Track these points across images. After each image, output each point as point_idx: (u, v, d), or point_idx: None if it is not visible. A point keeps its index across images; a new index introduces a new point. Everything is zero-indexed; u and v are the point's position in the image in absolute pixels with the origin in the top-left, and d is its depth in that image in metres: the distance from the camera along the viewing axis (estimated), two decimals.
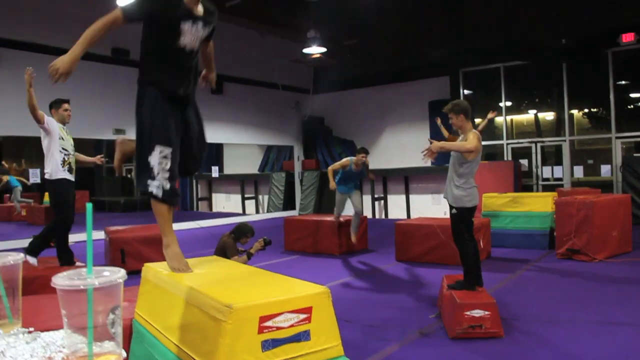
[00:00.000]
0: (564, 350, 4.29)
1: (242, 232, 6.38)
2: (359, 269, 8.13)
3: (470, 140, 5.09)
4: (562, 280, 6.89)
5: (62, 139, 6.07)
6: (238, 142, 17.38)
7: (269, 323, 2.35)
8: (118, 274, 1.23)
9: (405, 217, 15.80)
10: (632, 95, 14.03)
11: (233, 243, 6.30)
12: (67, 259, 6.25)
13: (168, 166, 2.89)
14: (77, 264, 6.32)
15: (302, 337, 2.46)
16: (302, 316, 2.45)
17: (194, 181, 21.21)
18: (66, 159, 6.09)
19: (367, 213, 16.16)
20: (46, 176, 6.06)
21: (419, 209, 15.75)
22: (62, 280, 1.19)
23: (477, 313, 4.55)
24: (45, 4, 11.46)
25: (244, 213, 19.13)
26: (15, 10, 11.06)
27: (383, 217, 16.84)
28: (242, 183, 19.88)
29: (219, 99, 15.01)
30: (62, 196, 6.04)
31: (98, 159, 7.05)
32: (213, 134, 15.33)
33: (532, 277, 7.15)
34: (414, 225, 8.73)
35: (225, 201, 20.87)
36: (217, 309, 2.29)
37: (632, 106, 14.04)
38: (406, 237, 8.62)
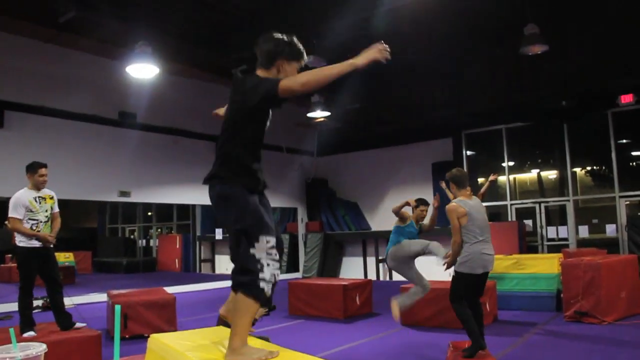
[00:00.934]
0: None
1: None
2: (364, 334, 7.98)
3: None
4: (571, 345, 6.75)
5: (32, 211, 6.10)
6: None
7: None
8: (40, 348, 1.26)
9: None
10: (634, 153, 14.14)
11: None
12: (65, 322, 6.18)
13: (277, 256, 2.76)
14: (77, 325, 6.24)
15: None
16: None
17: (197, 243, 21.15)
18: (34, 228, 6.10)
19: (371, 275, 16.02)
20: (15, 241, 6.12)
21: (424, 271, 15.55)
22: None
23: None
24: (52, 67, 11.75)
25: None
26: (20, 74, 11.33)
27: (387, 279, 16.67)
28: None
29: None
30: (22, 265, 6.09)
31: (50, 238, 6.63)
32: None
33: (540, 341, 7.01)
34: None
35: (229, 263, 20.65)
36: None
37: (634, 164, 14.12)
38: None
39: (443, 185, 9.81)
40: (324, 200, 17.95)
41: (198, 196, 14.36)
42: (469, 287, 5.29)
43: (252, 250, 2.69)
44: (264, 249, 2.70)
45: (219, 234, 17.33)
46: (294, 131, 16.57)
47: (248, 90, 2.80)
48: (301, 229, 18.04)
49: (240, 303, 2.70)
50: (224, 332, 3.37)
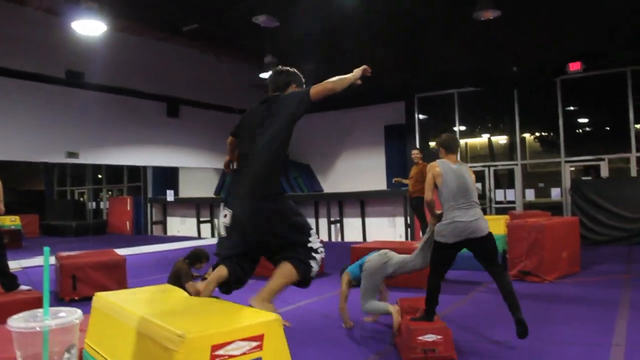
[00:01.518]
0: None
1: (196, 257, 6.31)
2: (314, 293, 8.12)
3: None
4: None
5: None
6: (194, 166, 17.26)
7: (220, 352, 2.35)
8: (74, 315, 1.22)
9: (361, 240, 15.90)
10: (580, 120, 14.58)
11: (187, 269, 6.22)
12: (10, 284, 6.08)
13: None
14: (22, 287, 6.15)
15: None
16: (254, 344, 2.46)
17: (148, 205, 20.91)
18: None
19: (323, 236, 16.21)
20: None
21: (375, 232, 15.87)
22: (17, 322, 1.17)
23: (430, 337, 4.61)
24: None
25: (199, 237, 18.92)
26: None
27: (339, 240, 16.91)
28: (197, 207, 19.67)
29: (174, 123, 14.91)
30: None
31: None
32: (168, 158, 15.23)
33: (485, 299, 7.28)
34: (369, 248, 8.76)
35: (180, 225, 20.61)
36: (169, 338, 2.28)
37: (580, 131, 14.58)
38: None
39: (396, 180, 9.83)
40: None
41: (148, 157, 14.14)
42: (444, 257, 5.17)
43: (309, 244, 3.63)
44: (317, 240, 3.68)
45: (170, 195, 17.16)
46: (247, 92, 16.38)
47: (288, 99, 3.68)
48: None
49: (289, 272, 3.60)
50: (168, 288, 3.40)
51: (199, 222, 19.61)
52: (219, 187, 19.61)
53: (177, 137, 15.13)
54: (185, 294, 3.31)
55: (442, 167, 5.26)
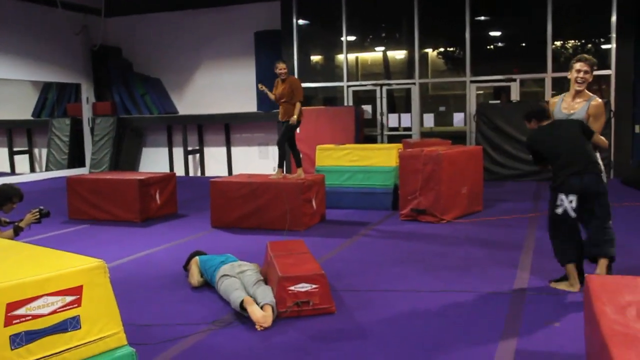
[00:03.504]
0: (405, 323, 4.55)
1: (5, 196, 5.98)
2: (166, 239, 8.00)
3: None
4: (404, 246, 7.31)
5: None
6: (1, 77, 16.18)
7: (20, 311, 2.20)
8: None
9: (226, 174, 15.82)
10: (491, 34, 15.07)
11: None
12: None
13: None
14: None
15: (69, 325, 2.35)
16: (69, 299, 2.34)
17: None
18: None
19: (179, 170, 15.97)
20: None
21: (243, 164, 15.83)
22: None
23: (303, 287, 4.66)
24: None
25: (13, 172, 18.10)
26: None
27: (199, 174, 16.74)
28: (9, 132, 18.74)
29: None
30: None
31: None
32: None
33: (370, 243, 7.51)
34: (233, 183, 8.75)
35: None
36: None
37: (491, 47, 15.10)
38: (224, 198, 8.63)
39: (262, 87, 9.62)
40: (117, 75, 17.20)
41: None
42: None
43: None
44: None
45: None
46: None
47: None
48: (87, 112, 17.27)
49: None
50: None
51: (12, 153, 18.68)
52: (38, 107, 18.61)
53: None
54: None
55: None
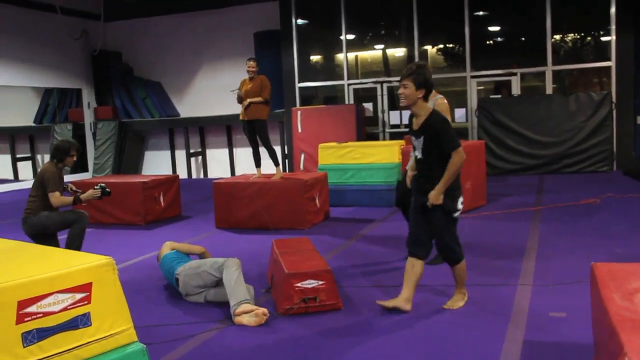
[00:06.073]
0: (411, 318, 4.56)
1: (62, 151, 6.13)
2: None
3: None
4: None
5: None
6: (1, 84, 16.20)
7: (32, 308, 2.22)
8: None
9: (229, 175, 15.82)
10: (490, 29, 15.06)
11: (55, 171, 6.06)
12: None
13: None
14: None
15: (79, 322, 2.36)
16: (79, 296, 2.35)
17: None
18: None
19: (182, 173, 15.98)
20: None
21: (245, 165, 15.82)
22: None
23: (310, 284, 4.67)
24: None
25: (16, 179, 18.04)
26: None
27: (201, 176, 16.74)
28: (11, 139, 18.73)
29: None
30: None
31: None
32: None
33: (375, 239, 7.52)
34: (237, 184, 8.77)
35: None
36: None
37: (490, 42, 15.08)
38: (228, 199, 8.65)
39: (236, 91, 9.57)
40: (118, 79, 17.20)
41: None
42: None
43: None
44: None
45: None
46: None
47: None
48: (88, 117, 17.26)
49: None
50: None
51: (15, 160, 18.68)
52: (40, 113, 18.63)
53: None
54: None
55: None
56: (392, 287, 5.32)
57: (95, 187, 6.17)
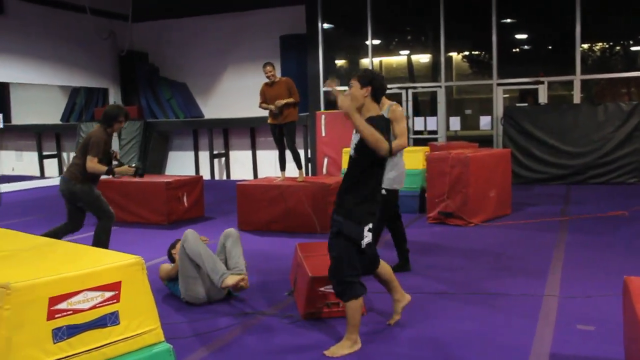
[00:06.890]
0: (435, 325, 4.53)
1: (111, 116, 6.23)
2: None
3: None
4: (432, 248, 7.27)
5: None
6: (31, 82, 16.34)
7: (62, 305, 2.22)
8: None
9: (251, 177, 15.85)
10: (517, 36, 14.97)
11: (101, 137, 6.11)
12: None
13: None
14: None
15: (108, 320, 2.36)
16: (108, 294, 2.35)
17: None
18: None
19: (205, 174, 16.03)
20: None
21: (268, 167, 15.85)
22: None
23: None
24: None
25: (42, 176, 18.22)
26: None
27: (224, 177, 16.78)
28: (38, 137, 18.89)
29: None
30: None
31: None
32: None
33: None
34: (259, 186, 8.78)
35: (16, 160, 19.69)
36: None
37: (517, 50, 14.98)
38: (250, 201, 8.66)
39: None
40: (144, 80, 17.33)
41: None
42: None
43: None
44: None
45: None
46: None
47: None
48: None
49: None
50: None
51: (41, 157, 18.84)
52: (67, 111, 18.79)
53: (3, 42, 14.26)
54: (22, 236, 3.10)
55: None
56: (416, 293, 5.29)
57: (131, 165, 6.23)
